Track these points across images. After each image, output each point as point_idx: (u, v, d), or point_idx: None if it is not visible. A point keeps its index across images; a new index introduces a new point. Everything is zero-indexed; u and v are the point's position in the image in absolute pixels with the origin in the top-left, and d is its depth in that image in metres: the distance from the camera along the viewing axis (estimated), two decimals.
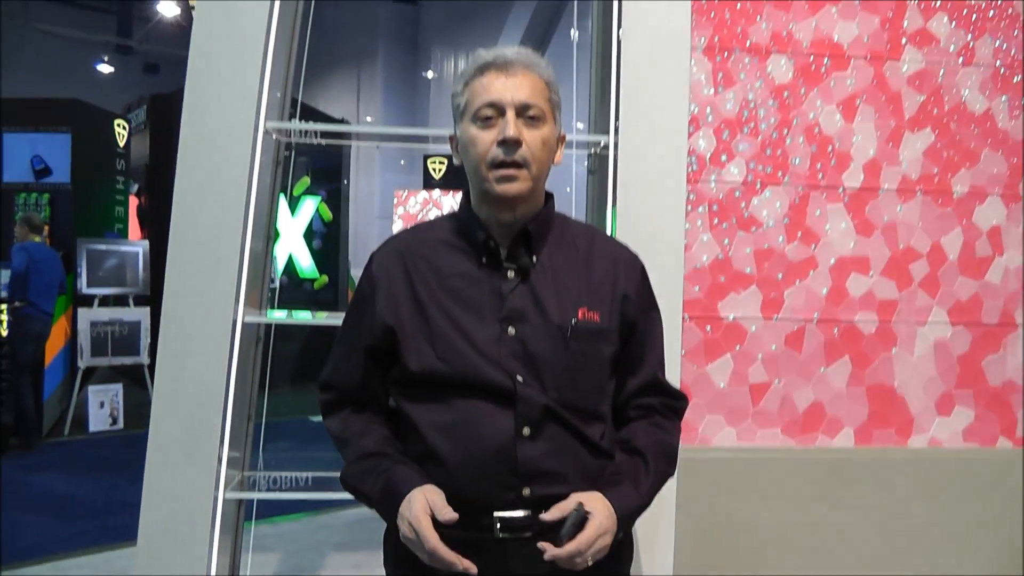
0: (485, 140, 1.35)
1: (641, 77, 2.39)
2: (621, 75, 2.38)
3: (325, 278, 9.38)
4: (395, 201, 2.52)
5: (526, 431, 1.32)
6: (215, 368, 2.28)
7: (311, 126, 2.44)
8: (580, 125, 2.97)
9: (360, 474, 1.40)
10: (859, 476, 2.58)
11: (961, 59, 2.64)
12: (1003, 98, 2.65)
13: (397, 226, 2.57)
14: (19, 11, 17.03)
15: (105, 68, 17.93)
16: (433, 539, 1.24)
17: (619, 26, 2.39)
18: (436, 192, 2.55)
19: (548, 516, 1.28)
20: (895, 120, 2.61)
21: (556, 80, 1.43)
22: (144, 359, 7.03)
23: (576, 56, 2.94)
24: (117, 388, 6.89)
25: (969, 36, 2.64)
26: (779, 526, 2.54)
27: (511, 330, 1.35)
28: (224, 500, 2.33)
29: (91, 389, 6.81)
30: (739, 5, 2.56)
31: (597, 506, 1.29)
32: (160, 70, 17.46)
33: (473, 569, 1.24)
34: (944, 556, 2.59)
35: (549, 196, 1.47)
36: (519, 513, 1.31)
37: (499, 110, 1.35)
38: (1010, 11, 2.67)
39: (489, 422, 1.32)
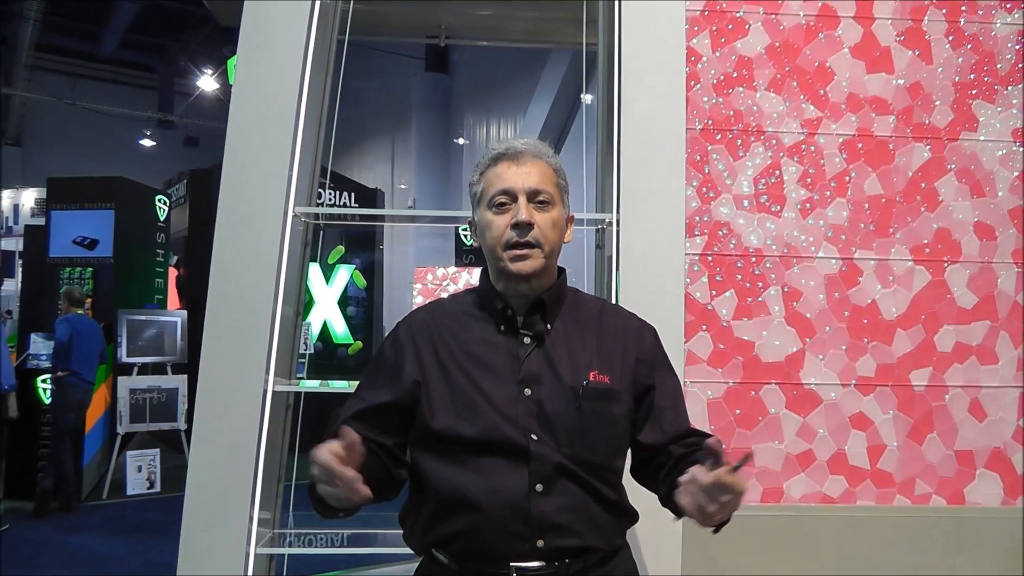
0: (500, 224, 1.51)
1: (639, 160, 2.58)
2: (621, 157, 2.57)
3: (359, 344, 9.58)
4: (413, 278, 2.70)
5: (539, 487, 1.44)
6: (247, 433, 2.45)
7: (337, 210, 2.65)
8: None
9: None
10: (862, 534, 2.65)
11: (946, 136, 2.79)
12: (988, 174, 2.79)
13: (418, 300, 2.75)
14: (66, 91, 17.87)
15: (147, 142, 18.67)
16: (326, 456, 1.26)
17: (619, 113, 2.59)
18: (452, 268, 2.73)
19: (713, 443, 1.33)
20: (886, 194, 2.76)
21: (563, 167, 1.60)
22: (181, 425, 7.25)
23: (586, 122, 3.13)
24: (155, 453, 7.10)
25: (951, 115, 2.80)
26: None
27: (527, 391, 1.48)
28: (255, 556, 2.48)
29: (129, 454, 7.03)
30: (731, 90, 2.75)
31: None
32: (200, 143, 18.16)
33: (366, 491, 1.27)
34: None
35: (562, 270, 1.63)
36: (534, 563, 1.42)
37: (512, 196, 1.51)
38: (996, 87, 2.83)
39: (504, 478, 1.44)
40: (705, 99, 2.74)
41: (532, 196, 1.51)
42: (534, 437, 1.45)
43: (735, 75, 2.76)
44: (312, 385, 2.79)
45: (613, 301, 2.55)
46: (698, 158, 2.73)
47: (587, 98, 3.24)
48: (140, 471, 6.97)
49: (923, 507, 2.69)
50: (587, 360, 1.53)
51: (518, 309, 1.55)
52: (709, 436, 1.56)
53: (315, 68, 2.63)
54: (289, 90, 2.54)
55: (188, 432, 7.22)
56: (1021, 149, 2.80)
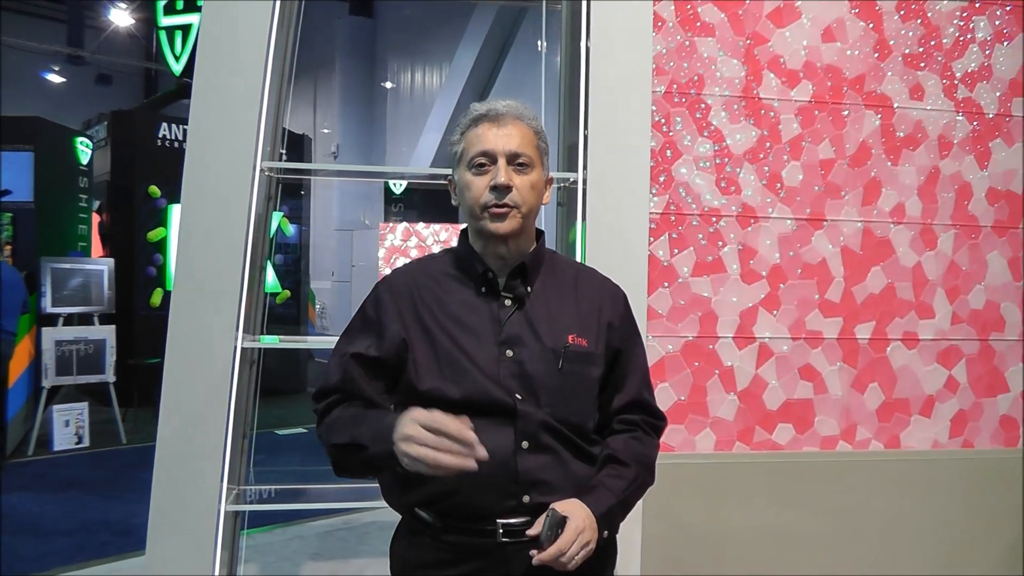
0: (479, 185, 1.54)
1: (607, 121, 2.63)
2: (589, 119, 2.61)
3: (287, 293, 9.46)
4: (380, 234, 2.71)
5: (525, 444, 1.49)
6: (218, 390, 2.45)
7: (303, 165, 2.62)
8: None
9: (345, 431, 1.48)
10: (808, 478, 2.84)
11: (912, 103, 2.93)
12: (933, 143, 2.95)
13: (380, 254, 2.76)
14: None
15: (55, 78, 17.68)
16: (442, 416, 1.33)
17: (587, 76, 2.62)
18: (420, 224, 2.75)
19: (532, 531, 1.44)
20: (838, 159, 2.88)
21: (544, 129, 1.63)
22: (110, 377, 7.04)
23: (541, 67, 3.15)
24: (82, 407, 6.88)
25: (900, 84, 2.93)
26: (738, 525, 2.79)
27: (509, 352, 1.52)
28: (225, 513, 2.49)
29: (55, 408, 6.79)
30: (695, 54, 2.81)
31: (574, 509, 1.45)
32: (113, 81, 17.26)
33: (483, 452, 1.33)
34: (895, 551, 2.87)
35: (541, 233, 1.66)
36: (519, 519, 1.48)
37: (491, 158, 1.53)
38: (940, 58, 2.96)
39: (491, 436, 1.45)
40: (670, 63, 2.80)
41: (512, 159, 1.53)
42: (518, 396, 1.50)
43: (698, 40, 2.82)
44: (271, 340, 2.78)
45: (577, 258, 2.61)
46: (662, 120, 2.79)
47: (541, 45, 3.24)
48: (67, 426, 6.75)
49: (870, 451, 2.89)
50: (566, 323, 1.58)
51: (498, 271, 1.59)
52: (655, 412, 1.67)
53: (281, 20, 2.57)
54: (258, 41, 2.49)
55: (117, 385, 7.08)
56: (962, 118, 2.96)
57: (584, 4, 2.66)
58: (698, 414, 2.81)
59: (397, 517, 1.64)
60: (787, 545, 2.81)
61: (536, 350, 1.54)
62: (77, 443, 6.77)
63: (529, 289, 1.59)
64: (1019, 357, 3.00)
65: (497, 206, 1.52)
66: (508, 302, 1.57)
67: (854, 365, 2.89)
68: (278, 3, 2.52)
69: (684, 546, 2.75)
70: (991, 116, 2.98)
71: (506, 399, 1.50)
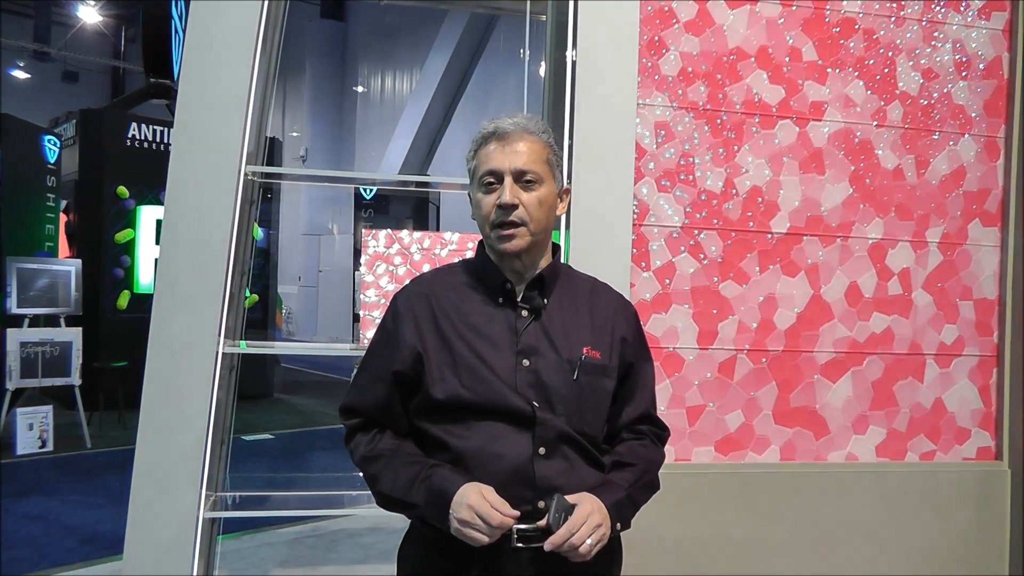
0: (487, 203, 1.57)
1: (592, 131, 2.65)
2: (575, 131, 2.63)
3: (255, 297, 9.37)
4: (363, 241, 2.71)
5: (542, 450, 1.52)
6: (199, 397, 2.42)
7: (286, 170, 2.60)
8: None
9: (397, 485, 1.53)
10: (783, 488, 2.87)
11: (875, 121, 2.98)
12: (910, 158, 3.00)
13: (363, 259, 2.75)
14: None
15: (20, 74, 17.39)
16: (499, 516, 1.41)
17: (572, 88, 2.64)
18: (404, 232, 2.74)
19: (541, 522, 1.45)
20: (817, 174, 2.93)
21: (555, 142, 1.64)
22: (75, 380, 6.92)
23: (514, 75, 3.18)
24: (47, 410, 6.76)
25: (881, 101, 2.98)
26: (714, 534, 2.81)
27: (525, 362, 1.55)
28: (203, 520, 2.47)
29: (19, 411, 6.66)
30: (678, 67, 2.84)
31: (582, 498, 1.47)
32: (80, 79, 17.01)
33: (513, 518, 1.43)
34: (859, 558, 2.90)
35: (557, 247, 1.69)
36: (533, 525, 1.48)
37: (498, 177, 1.56)
38: (919, 79, 3.02)
39: (509, 442, 1.51)
40: (655, 76, 2.83)
41: (518, 176, 1.56)
42: (535, 404, 1.53)
43: (682, 52, 2.85)
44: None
45: None
46: (646, 133, 2.82)
47: (524, 53, 3.27)
48: (31, 429, 6.63)
49: (840, 463, 2.93)
50: (581, 336, 1.61)
51: (515, 283, 1.61)
52: (660, 424, 1.72)
53: (268, 24, 2.56)
54: (244, 43, 2.48)
55: (82, 388, 6.96)
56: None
57: (571, 14, 2.68)
58: (677, 425, 2.83)
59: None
60: (758, 555, 2.84)
61: (552, 360, 1.56)
62: (41, 447, 6.64)
63: (546, 301, 1.61)
64: (991, 369, 3.07)
65: (504, 225, 1.54)
66: (525, 313, 1.59)
67: (830, 378, 2.94)
68: (265, 5, 2.50)
69: (664, 551, 2.77)
70: (963, 126, 3.05)
71: (524, 407, 1.53)
